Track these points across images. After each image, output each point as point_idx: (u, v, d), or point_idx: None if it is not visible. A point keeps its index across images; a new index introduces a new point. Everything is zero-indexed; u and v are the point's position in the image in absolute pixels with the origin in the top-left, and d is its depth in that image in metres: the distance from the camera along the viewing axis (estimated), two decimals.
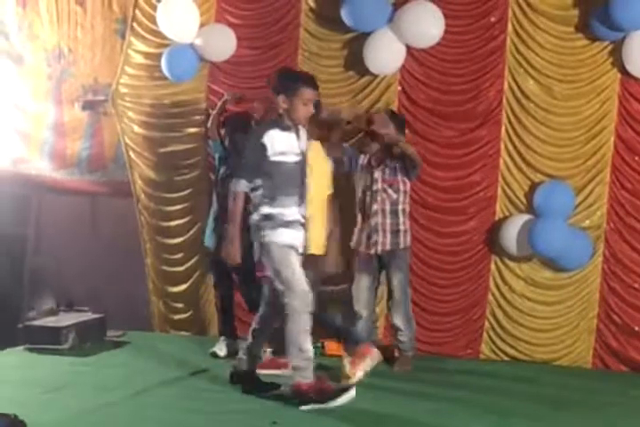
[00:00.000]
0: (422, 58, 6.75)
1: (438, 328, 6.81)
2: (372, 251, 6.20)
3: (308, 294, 4.99)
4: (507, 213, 6.65)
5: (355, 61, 6.86)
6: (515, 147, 6.61)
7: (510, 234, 6.47)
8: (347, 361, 5.67)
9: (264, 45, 7.19)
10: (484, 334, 6.74)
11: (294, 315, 4.96)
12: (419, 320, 6.51)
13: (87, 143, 7.85)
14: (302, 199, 5.22)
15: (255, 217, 5.15)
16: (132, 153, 7.51)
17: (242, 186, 5.09)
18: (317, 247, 5.76)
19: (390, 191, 6.16)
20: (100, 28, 7.73)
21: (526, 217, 6.48)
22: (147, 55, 7.44)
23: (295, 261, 5.10)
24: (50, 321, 6.75)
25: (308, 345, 5.00)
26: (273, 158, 5.09)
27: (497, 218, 6.66)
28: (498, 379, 6.05)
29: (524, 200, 6.59)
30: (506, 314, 6.68)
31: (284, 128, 5.14)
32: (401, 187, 6.19)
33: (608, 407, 5.37)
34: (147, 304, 7.52)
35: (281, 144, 5.11)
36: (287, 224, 5.12)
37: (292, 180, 5.17)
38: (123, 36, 7.53)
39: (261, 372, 5.45)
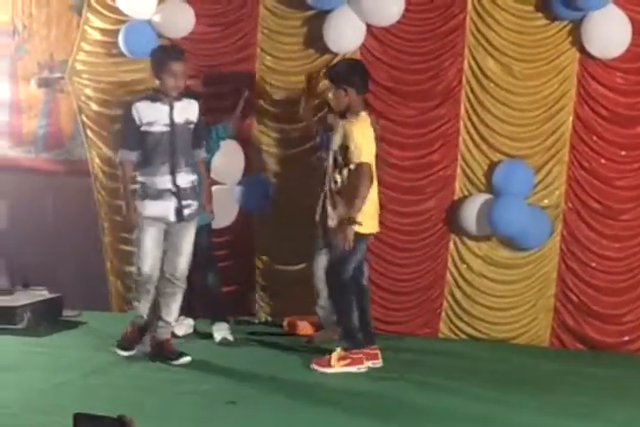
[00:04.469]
0: (382, 36, 6.70)
1: (397, 307, 6.81)
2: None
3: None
4: (466, 193, 6.65)
5: (315, 39, 6.80)
6: (474, 126, 6.60)
7: (469, 213, 6.48)
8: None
9: (223, 22, 7.10)
10: (443, 313, 6.75)
11: None
12: (377, 300, 6.53)
13: (43, 121, 7.74)
14: (175, 168, 5.55)
15: (135, 185, 5.62)
16: (89, 131, 7.41)
17: (123, 155, 5.61)
18: None
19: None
20: (55, 3, 7.59)
21: (485, 196, 6.49)
22: (104, 32, 7.32)
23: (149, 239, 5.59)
24: (5, 300, 6.68)
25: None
26: (142, 129, 5.50)
27: (456, 197, 6.66)
28: (456, 358, 6.08)
29: (483, 179, 6.59)
30: (464, 293, 6.69)
31: (154, 100, 5.53)
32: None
33: (564, 386, 5.42)
34: (104, 283, 7.46)
35: (149, 115, 5.51)
36: (157, 194, 5.53)
37: (162, 149, 5.52)
38: (79, 12, 7.39)
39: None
